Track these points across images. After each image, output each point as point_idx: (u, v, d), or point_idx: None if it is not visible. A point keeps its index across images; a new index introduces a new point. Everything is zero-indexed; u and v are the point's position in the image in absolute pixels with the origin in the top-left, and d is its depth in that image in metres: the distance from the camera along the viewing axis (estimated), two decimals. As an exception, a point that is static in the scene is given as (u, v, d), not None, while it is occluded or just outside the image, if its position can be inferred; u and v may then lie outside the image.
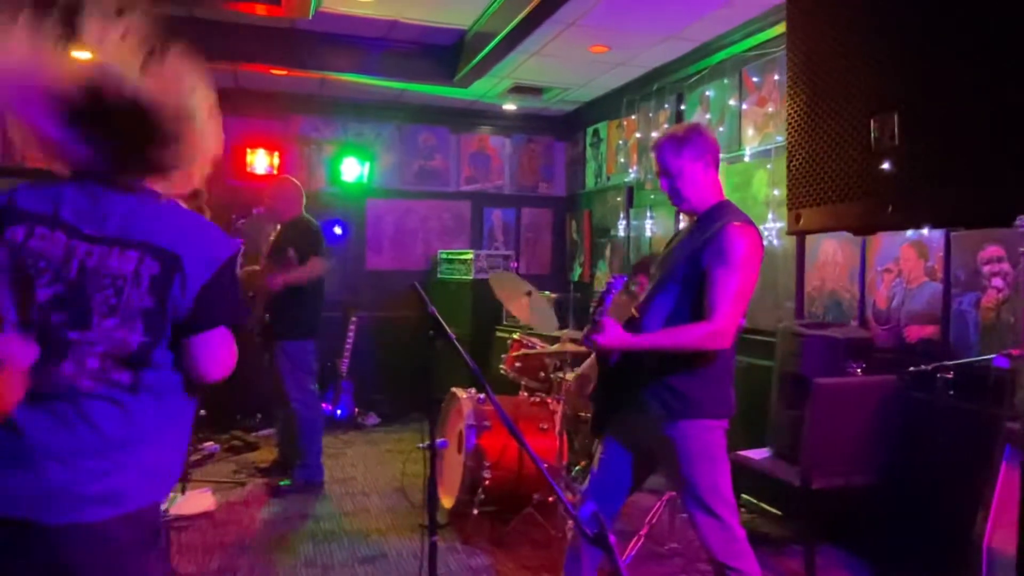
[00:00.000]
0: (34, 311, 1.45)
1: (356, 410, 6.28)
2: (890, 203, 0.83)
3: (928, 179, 0.79)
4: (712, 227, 2.32)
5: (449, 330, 2.14)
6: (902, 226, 0.83)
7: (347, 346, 6.22)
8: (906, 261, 3.58)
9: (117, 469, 1.51)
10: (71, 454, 1.46)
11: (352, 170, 6.49)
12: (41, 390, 1.45)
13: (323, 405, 5.55)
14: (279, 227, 4.64)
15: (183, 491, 4.25)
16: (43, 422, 1.46)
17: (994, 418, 2.66)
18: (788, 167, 1.03)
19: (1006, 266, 3.07)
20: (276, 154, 6.22)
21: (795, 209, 0.99)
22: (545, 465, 2.31)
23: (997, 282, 3.11)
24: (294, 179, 4.72)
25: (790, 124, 1.02)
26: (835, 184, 0.94)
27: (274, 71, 5.63)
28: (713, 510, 2.33)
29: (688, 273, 2.31)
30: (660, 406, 2.35)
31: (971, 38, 0.75)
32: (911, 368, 3.17)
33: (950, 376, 3.03)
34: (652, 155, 2.47)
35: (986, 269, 3.16)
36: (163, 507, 4.00)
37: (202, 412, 5.31)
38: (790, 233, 1.01)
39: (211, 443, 5.36)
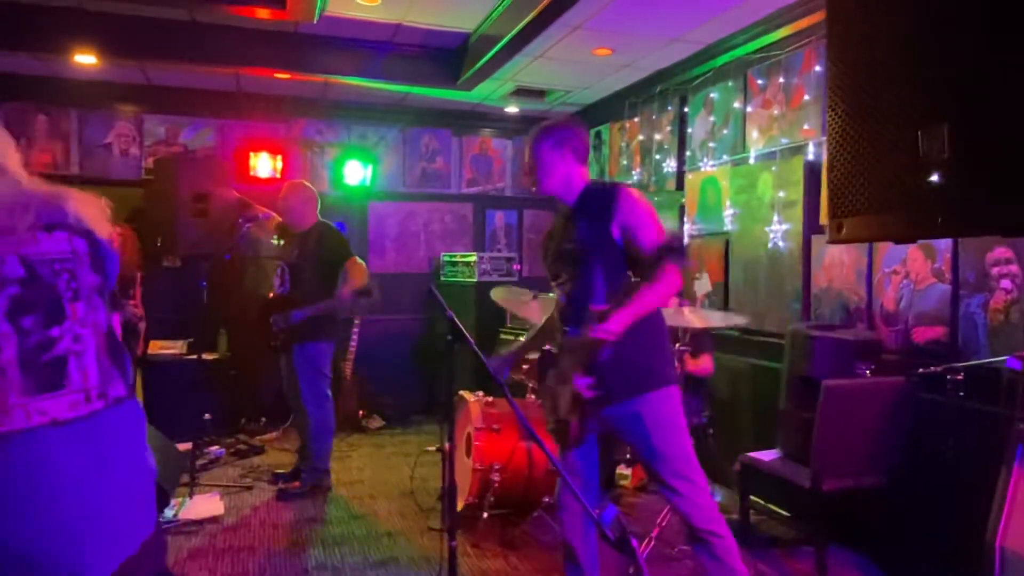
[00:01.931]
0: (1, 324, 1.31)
1: (360, 413, 6.28)
2: (940, 214, 0.84)
3: (981, 189, 0.80)
4: (597, 199, 2.51)
5: (468, 335, 2.15)
6: (951, 235, 0.84)
7: (351, 349, 6.22)
8: (913, 263, 3.60)
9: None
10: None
11: (355, 173, 6.49)
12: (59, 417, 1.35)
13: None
14: (295, 237, 4.55)
15: (191, 495, 4.25)
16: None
17: (1005, 419, 2.68)
18: (829, 178, 1.04)
19: (1015, 268, 3.09)
20: (279, 157, 6.22)
21: (837, 219, 1.00)
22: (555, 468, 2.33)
23: (1006, 284, 3.13)
24: (307, 184, 4.64)
25: (831, 135, 1.03)
26: (880, 194, 0.95)
27: (277, 75, 5.62)
28: (690, 477, 2.41)
29: (600, 246, 2.42)
30: (622, 384, 2.40)
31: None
32: (920, 369, 3.18)
33: (960, 377, 3.04)
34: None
35: (995, 271, 3.18)
36: (172, 512, 4.01)
37: (207, 416, 5.31)
38: (832, 242, 1.02)
39: (216, 447, 5.35)
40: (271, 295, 4.63)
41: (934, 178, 0.85)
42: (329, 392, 4.52)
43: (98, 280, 1.45)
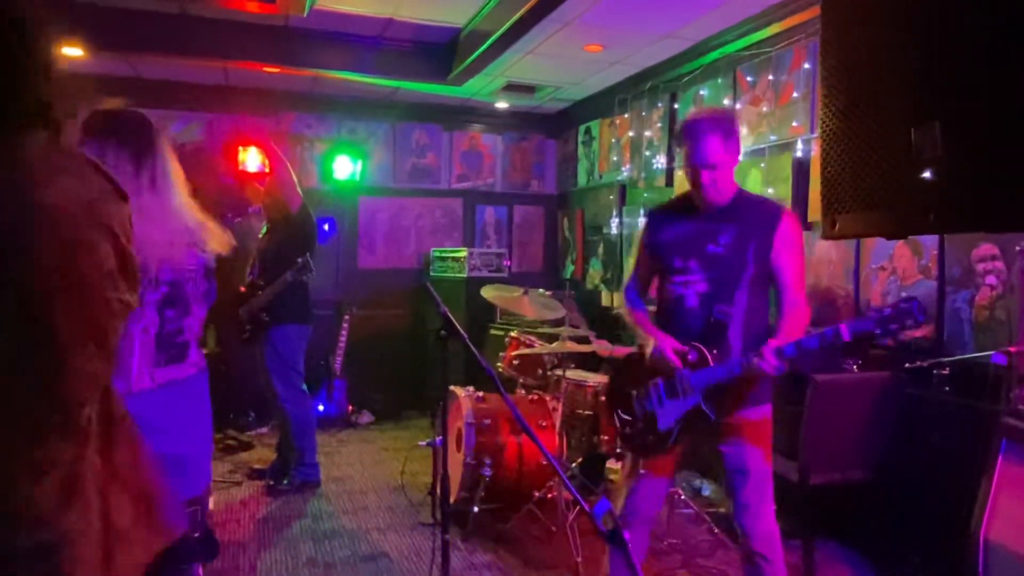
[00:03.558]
0: (151, 312, 1.86)
1: (350, 408, 6.27)
2: (932, 210, 0.86)
3: (972, 186, 0.82)
4: (759, 215, 2.39)
5: (462, 331, 2.15)
6: (942, 231, 0.86)
7: (340, 344, 6.21)
8: (900, 259, 3.63)
9: None
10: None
11: (344, 168, 6.47)
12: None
13: (314, 403, 5.54)
14: (271, 225, 4.59)
15: (180, 491, 4.24)
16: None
17: (990, 413, 2.72)
18: (823, 174, 1.05)
19: (1000, 264, 3.13)
20: (268, 151, 6.18)
21: (831, 215, 1.01)
22: (547, 462, 2.34)
23: (991, 280, 3.17)
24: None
25: (824, 132, 1.04)
26: (873, 191, 0.96)
27: (267, 69, 5.59)
28: (765, 497, 2.42)
29: (758, 266, 2.35)
30: (750, 394, 2.39)
31: (1016, 46, 0.78)
32: (907, 365, 3.22)
33: (946, 372, 3.08)
34: (690, 142, 2.34)
35: (980, 267, 3.21)
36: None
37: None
38: (826, 238, 1.03)
39: (205, 442, 5.32)
40: (242, 288, 4.60)
41: (926, 175, 0.87)
42: (304, 387, 4.51)
43: (207, 287, 2.01)
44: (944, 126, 0.85)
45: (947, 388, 3.08)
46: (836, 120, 1.02)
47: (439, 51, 5.58)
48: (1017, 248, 2.74)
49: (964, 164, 0.83)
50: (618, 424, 2.56)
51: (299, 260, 4.20)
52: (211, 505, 4.15)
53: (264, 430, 5.88)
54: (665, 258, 2.48)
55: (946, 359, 3.09)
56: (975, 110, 0.81)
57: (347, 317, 6.27)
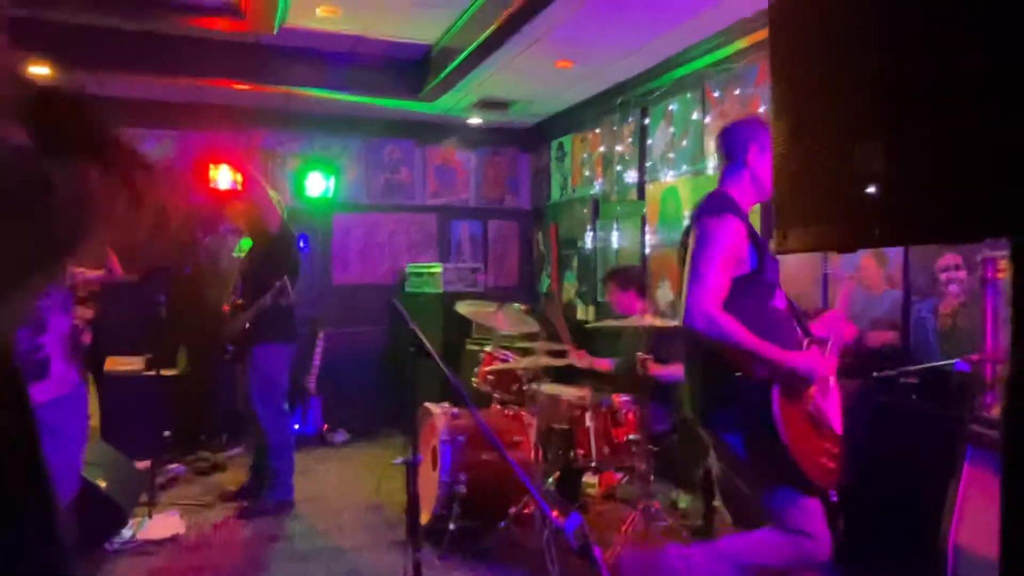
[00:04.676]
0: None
1: (325, 427, 6.21)
2: (876, 225, 0.88)
3: (913, 201, 0.84)
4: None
5: (430, 347, 2.15)
6: (887, 244, 0.88)
7: (315, 362, 6.16)
8: (866, 269, 3.69)
9: None
10: None
11: (317, 184, 6.44)
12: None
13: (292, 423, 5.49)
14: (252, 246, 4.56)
15: (150, 515, 4.16)
16: None
17: (956, 420, 2.76)
18: (774, 190, 1.07)
19: (962, 274, 3.20)
20: (240, 169, 6.13)
21: (782, 229, 1.03)
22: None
23: (954, 289, 3.23)
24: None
25: (775, 148, 1.06)
26: (820, 207, 0.98)
27: (237, 86, 5.57)
28: None
29: None
30: None
31: (957, 64, 0.80)
32: (875, 373, 3.27)
33: (912, 380, 3.13)
34: None
35: (943, 276, 3.28)
36: (130, 532, 3.92)
37: (166, 433, 5.20)
38: (777, 252, 1.05)
39: (177, 465, 5.24)
40: (225, 307, 4.57)
41: (870, 190, 0.89)
42: (286, 406, 4.47)
43: (63, 296, 2.01)
44: (886, 142, 0.87)
45: (914, 396, 3.13)
46: (784, 138, 1.04)
47: (411, 68, 5.60)
48: (979, 257, 2.79)
49: (905, 179, 0.85)
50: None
51: (277, 284, 4.17)
52: (182, 530, 4.09)
53: (237, 451, 5.79)
54: (772, 268, 2.33)
55: (912, 367, 3.14)
56: (914, 127, 0.84)
57: (321, 334, 6.23)
